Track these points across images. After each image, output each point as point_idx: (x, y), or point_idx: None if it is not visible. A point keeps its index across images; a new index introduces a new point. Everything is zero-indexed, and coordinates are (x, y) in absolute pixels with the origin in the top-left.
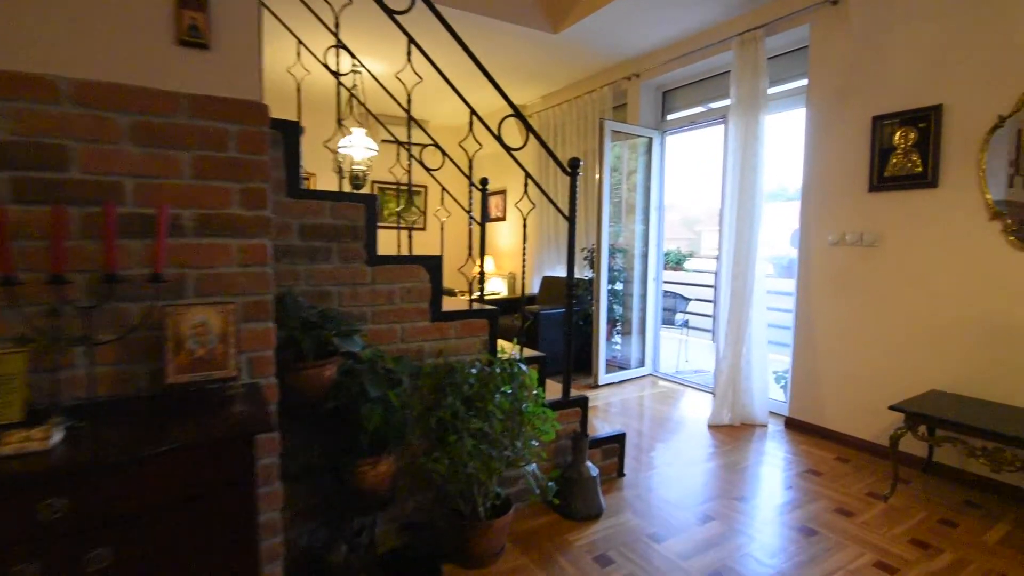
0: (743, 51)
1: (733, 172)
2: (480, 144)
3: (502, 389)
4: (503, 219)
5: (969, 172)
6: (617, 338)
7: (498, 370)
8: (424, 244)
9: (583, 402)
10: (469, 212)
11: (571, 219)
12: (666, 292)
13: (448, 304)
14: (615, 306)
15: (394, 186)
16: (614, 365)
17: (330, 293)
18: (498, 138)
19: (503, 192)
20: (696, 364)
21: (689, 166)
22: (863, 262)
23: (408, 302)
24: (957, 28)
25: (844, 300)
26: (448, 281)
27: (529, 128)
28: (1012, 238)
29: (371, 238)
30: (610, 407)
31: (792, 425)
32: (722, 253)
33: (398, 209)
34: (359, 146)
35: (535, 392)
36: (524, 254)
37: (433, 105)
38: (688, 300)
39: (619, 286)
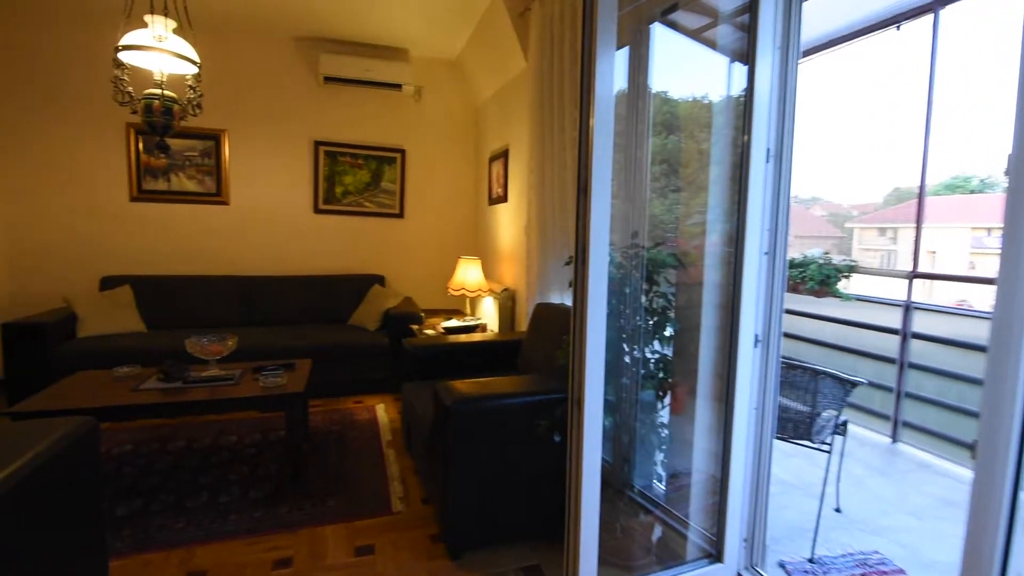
0: None
1: None
2: None
3: None
4: (503, 199)
5: None
6: (659, 464)
7: None
8: (401, 240)
9: None
10: None
11: None
12: (790, 365)
13: None
14: (649, 388)
15: (350, 150)
16: (636, 523)
17: None
18: None
19: (504, 155)
20: (855, 517)
21: (817, 133)
22: None
23: None
24: None
25: None
26: (428, 296)
27: None
28: None
29: None
30: None
31: None
32: (1004, 283)
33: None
34: (166, 50)
35: None
36: None
37: (418, 24)
38: (857, 385)
39: (663, 347)
